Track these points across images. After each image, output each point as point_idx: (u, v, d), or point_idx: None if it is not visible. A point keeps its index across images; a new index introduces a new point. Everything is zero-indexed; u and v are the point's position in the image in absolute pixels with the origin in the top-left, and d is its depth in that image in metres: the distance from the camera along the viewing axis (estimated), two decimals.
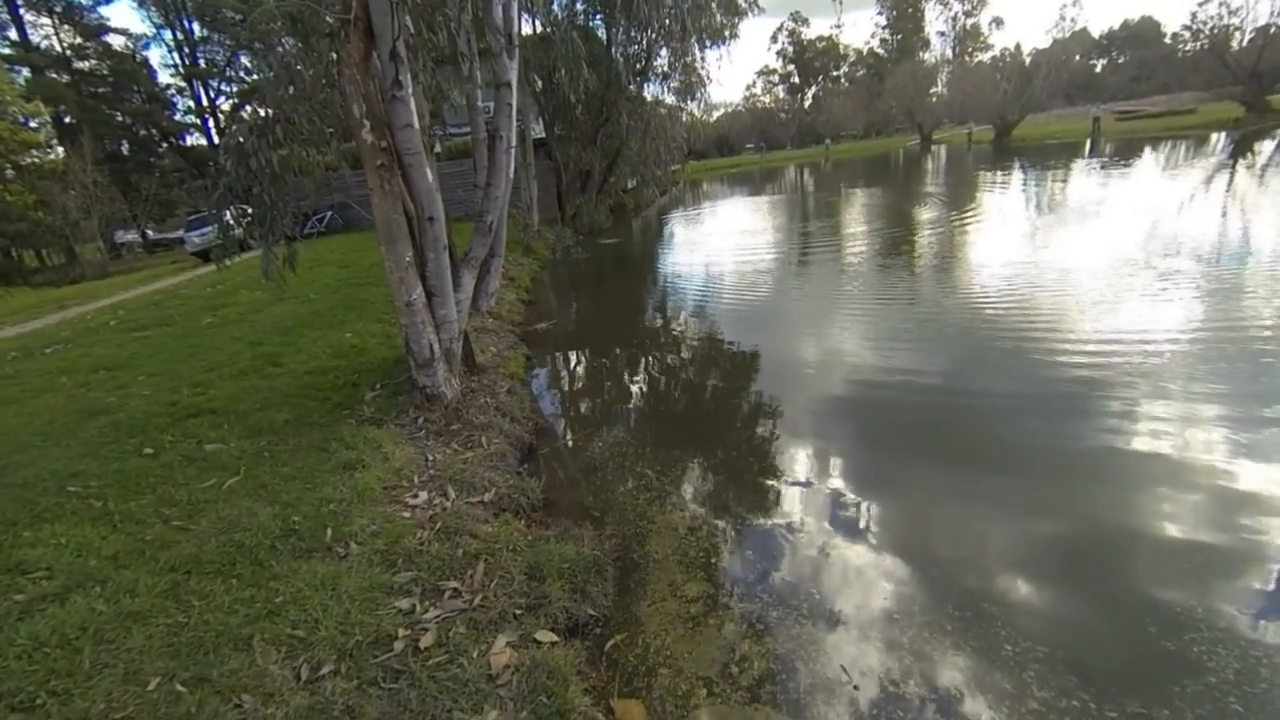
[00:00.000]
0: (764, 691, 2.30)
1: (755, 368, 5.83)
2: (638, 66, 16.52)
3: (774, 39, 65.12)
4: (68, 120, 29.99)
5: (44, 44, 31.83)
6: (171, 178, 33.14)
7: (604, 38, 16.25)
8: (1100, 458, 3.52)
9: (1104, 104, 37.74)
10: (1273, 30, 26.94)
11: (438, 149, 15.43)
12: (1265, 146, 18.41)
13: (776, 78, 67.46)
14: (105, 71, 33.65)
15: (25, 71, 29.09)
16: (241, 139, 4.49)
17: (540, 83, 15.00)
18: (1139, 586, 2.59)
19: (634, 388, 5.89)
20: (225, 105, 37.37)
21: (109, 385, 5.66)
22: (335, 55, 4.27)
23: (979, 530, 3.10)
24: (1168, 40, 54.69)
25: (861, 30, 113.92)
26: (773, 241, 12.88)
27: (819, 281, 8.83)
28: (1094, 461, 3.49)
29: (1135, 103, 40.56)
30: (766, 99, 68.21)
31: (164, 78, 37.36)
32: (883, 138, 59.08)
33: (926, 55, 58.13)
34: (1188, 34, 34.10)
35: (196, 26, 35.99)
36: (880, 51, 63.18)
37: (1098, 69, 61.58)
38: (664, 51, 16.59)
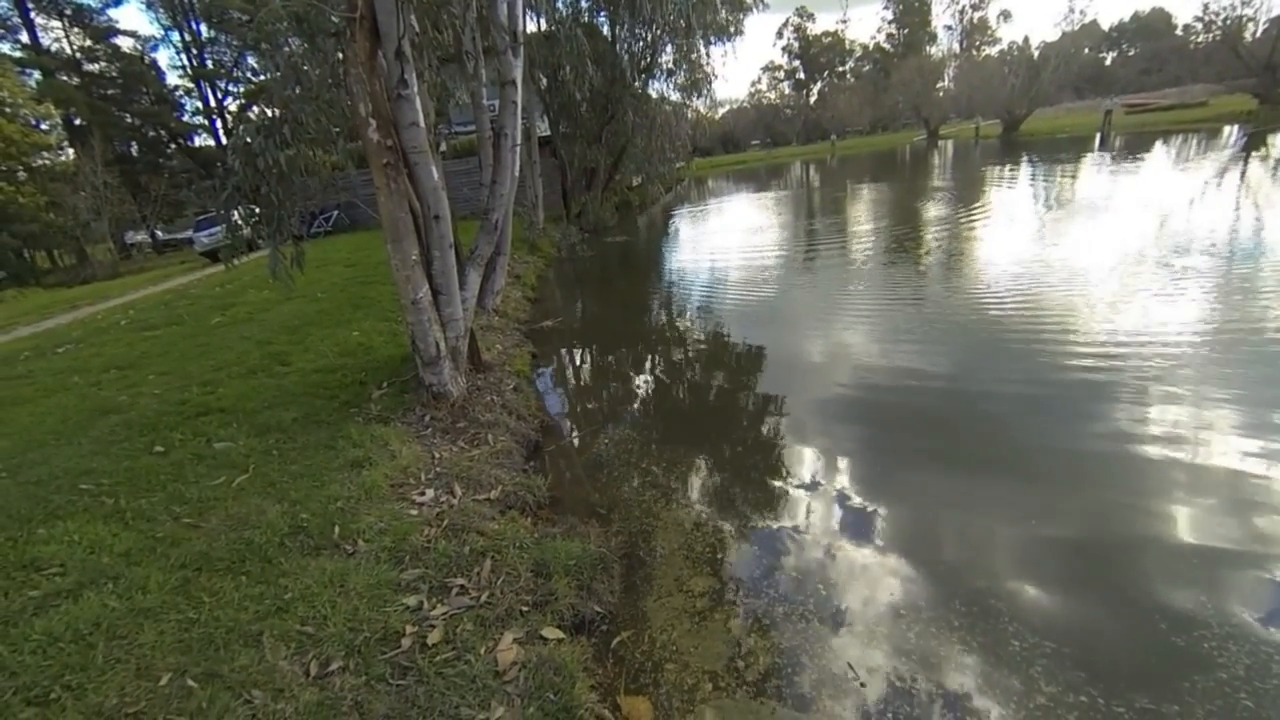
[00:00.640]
0: (770, 686, 2.30)
1: (761, 366, 5.81)
2: (642, 63, 16.48)
3: (779, 35, 64.84)
4: (78, 122, 30.27)
5: (54, 47, 32.15)
6: (180, 178, 33.40)
7: (608, 35, 16.22)
8: (1110, 458, 3.49)
9: (1114, 97, 37.28)
10: None
11: (443, 147, 15.49)
12: (1279, 139, 18.15)
13: (782, 73, 67.15)
14: (114, 73, 33.96)
15: (36, 74, 29.39)
16: (249, 139, 4.52)
17: (545, 80, 15.01)
18: (1148, 584, 2.57)
19: (640, 385, 5.89)
20: (233, 106, 37.66)
21: (120, 384, 5.72)
22: (341, 54, 4.29)
23: (986, 527, 3.08)
24: (1179, 32, 54.03)
25: (867, 25, 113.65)
26: (778, 239, 12.83)
27: (825, 279, 8.78)
28: (1104, 461, 3.46)
29: (1145, 96, 40.08)
30: (772, 95, 67.92)
31: (172, 79, 37.77)
32: (889, 133, 58.69)
33: (933, 49, 57.67)
34: (1200, 25, 33.61)
35: (204, 28, 36.27)
36: (886, 46, 62.72)
37: (1107, 62, 60.96)
38: (669, 48, 16.55)
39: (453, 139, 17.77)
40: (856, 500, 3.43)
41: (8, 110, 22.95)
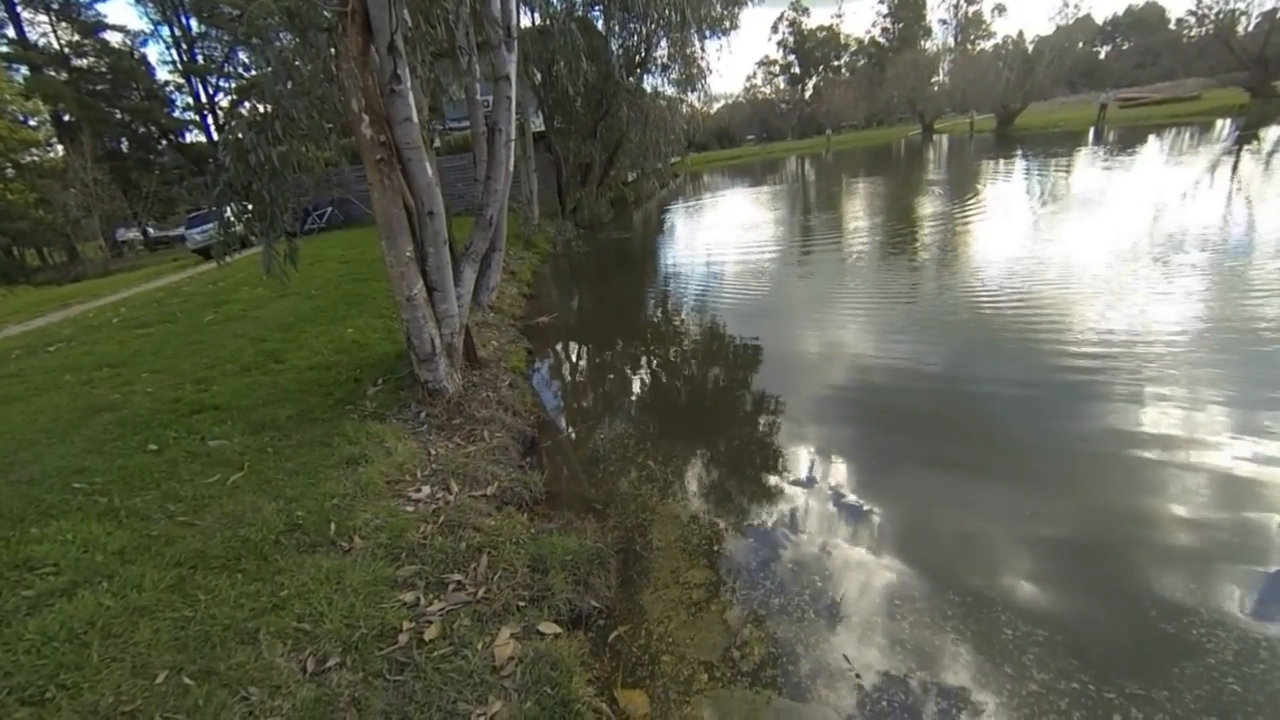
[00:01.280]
0: (765, 676, 2.32)
1: (756, 360, 5.82)
2: (637, 58, 16.42)
3: (774, 29, 64.80)
4: (67, 118, 29.98)
5: (42, 41, 31.82)
6: (171, 175, 33.13)
7: (602, 29, 16.15)
8: (1101, 453, 3.50)
9: (1108, 91, 37.37)
10: (1279, 15, 26.63)
11: (437, 143, 15.40)
12: (1271, 133, 18.25)
13: (777, 68, 67.11)
14: (103, 69, 33.61)
15: (23, 69, 29.06)
16: (240, 135, 4.49)
17: (539, 75, 14.93)
18: (1139, 574, 2.59)
19: (635, 380, 5.90)
20: (224, 101, 37.33)
21: (113, 382, 5.68)
22: (333, 49, 4.26)
23: (979, 520, 3.10)
24: (1172, 26, 54.22)
25: (862, 19, 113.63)
26: (773, 235, 12.83)
27: (820, 276, 8.79)
28: (1095, 456, 3.48)
29: (1139, 90, 40.20)
30: (767, 90, 67.88)
31: (162, 74, 37.38)
32: (884, 128, 58.72)
33: (928, 44, 57.82)
34: (1193, 19, 33.78)
35: (194, 22, 35.90)
36: (881, 40, 62.77)
37: (1101, 56, 61.04)
38: (663, 43, 16.51)
39: (447, 135, 17.68)
40: (850, 494, 3.44)
41: None
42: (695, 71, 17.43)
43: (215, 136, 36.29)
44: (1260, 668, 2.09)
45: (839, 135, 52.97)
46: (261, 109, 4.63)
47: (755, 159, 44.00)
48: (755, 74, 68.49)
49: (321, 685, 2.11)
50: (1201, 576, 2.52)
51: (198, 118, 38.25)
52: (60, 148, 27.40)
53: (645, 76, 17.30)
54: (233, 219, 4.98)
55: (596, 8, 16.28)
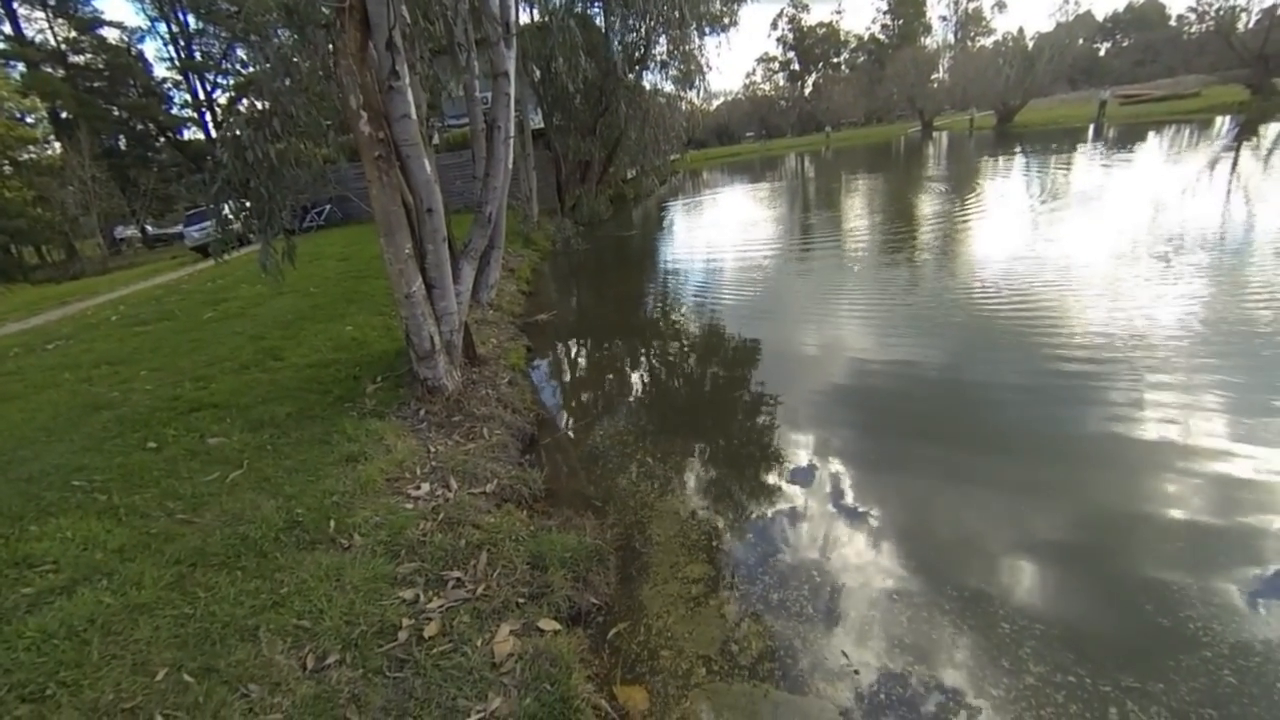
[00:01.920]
0: (763, 670, 2.33)
1: (755, 359, 5.83)
2: (636, 55, 16.38)
3: (774, 25, 64.51)
4: (64, 115, 29.88)
5: (39, 38, 31.67)
6: (169, 172, 33.09)
7: (602, 26, 16.10)
8: (1100, 444, 3.53)
9: (1108, 88, 37.32)
10: (1279, 11, 26.58)
11: (436, 140, 15.35)
12: (1271, 130, 18.24)
13: (776, 65, 66.89)
14: (101, 65, 33.51)
15: (20, 66, 28.94)
16: (238, 132, 4.47)
17: (538, 72, 14.89)
18: (1136, 567, 2.61)
19: (634, 378, 5.90)
20: (222, 98, 37.20)
21: (111, 380, 5.68)
22: (332, 46, 4.24)
23: (977, 516, 3.11)
24: (1173, 23, 54.12)
25: (862, 16, 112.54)
26: (772, 233, 12.81)
27: (819, 274, 8.79)
28: (1094, 447, 3.50)
29: (1139, 87, 40.15)
30: (766, 87, 67.63)
31: (160, 71, 37.33)
32: (884, 125, 58.62)
33: (928, 40, 57.64)
34: (1193, 16, 33.79)
35: (191, 19, 35.73)
36: (881, 37, 62.57)
37: (1101, 53, 60.98)
38: (663, 39, 16.45)
39: (445, 132, 17.63)
40: (849, 490, 3.45)
41: None
42: (695, 68, 17.39)
43: (213, 134, 36.19)
44: (1256, 660, 2.11)
45: (838, 132, 52.84)
46: (259, 106, 4.61)
47: (755, 156, 43.93)
48: (755, 71, 68.34)
49: (321, 682, 2.11)
50: (1199, 571, 2.53)
51: (196, 115, 38.15)
52: (58, 145, 27.32)
53: (644, 73, 17.26)
54: (231, 216, 4.96)
55: (596, 4, 16.24)
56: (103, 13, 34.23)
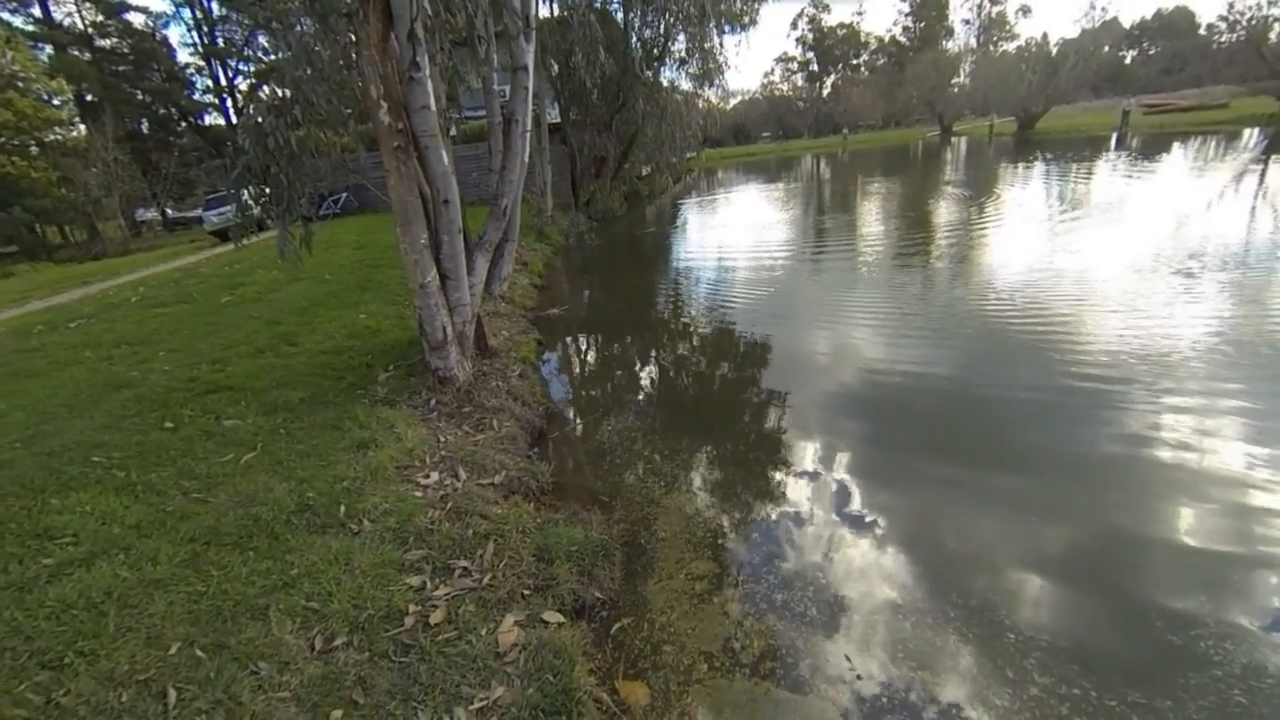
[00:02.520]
0: (765, 669, 2.34)
1: (766, 360, 5.82)
2: (655, 51, 16.34)
3: (794, 25, 64.02)
4: (89, 98, 30.34)
5: (66, 21, 32.15)
6: (190, 157, 33.52)
7: (621, 22, 16.08)
8: (1112, 462, 3.48)
9: (1132, 96, 36.70)
10: None
11: (453, 132, 15.41)
12: None
13: (795, 65, 66.39)
14: (126, 50, 33.96)
15: (48, 49, 29.41)
16: (260, 119, 4.52)
17: (556, 67, 14.89)
18: (1147, 584, 2.58)
19: (644, 374, 5.91)
20: (243, 85, 37.57)
21: (131, 360, 5.78)
22: (353, 35, 4.28)
23: (985, 525, 3.09)
24: (1202, 31, 53.01)
25: (883, 17, 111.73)
26: (787, 235, 12.73)
27: (832, 279, 8.72)
28: (1105, 465, 3.46)
29: (1165, 96, 39.42)
30: (784, 87, 67.17)
31: (183, 56, 37.77)
32: (902, 128, 58.08)
33: (949, 44, 56.87)
34: (1224, 25, 33.00)
35: (215, 5, 36.14)
36: (902, 40, 61.92)
37: (1127, 60, 59.99)
38: (682, 36, 16.38)
39: (463, 124, 17.69)
40: (856, 494, 3.45)
41: (20, 84, 23.01)
42: (713, 66, 17.28)
43: (234, 119, 36.54)
44: (1269, 681, 2.08)
45: (856, 135, 52.47)
46: (281, 93, 4.66)
47: (770, 156, 43.71)
48: (773, 70, 67.86)
49: (329, 663, 2.15)
50: (1212, 589, 2.50)
51: (217, 100, 38.59)
52: (82, 127, 27.72)
53: (662, 70, 17.22)
54: (250, 202, 5.02)
55: (616, 0, 16.22)
56: None
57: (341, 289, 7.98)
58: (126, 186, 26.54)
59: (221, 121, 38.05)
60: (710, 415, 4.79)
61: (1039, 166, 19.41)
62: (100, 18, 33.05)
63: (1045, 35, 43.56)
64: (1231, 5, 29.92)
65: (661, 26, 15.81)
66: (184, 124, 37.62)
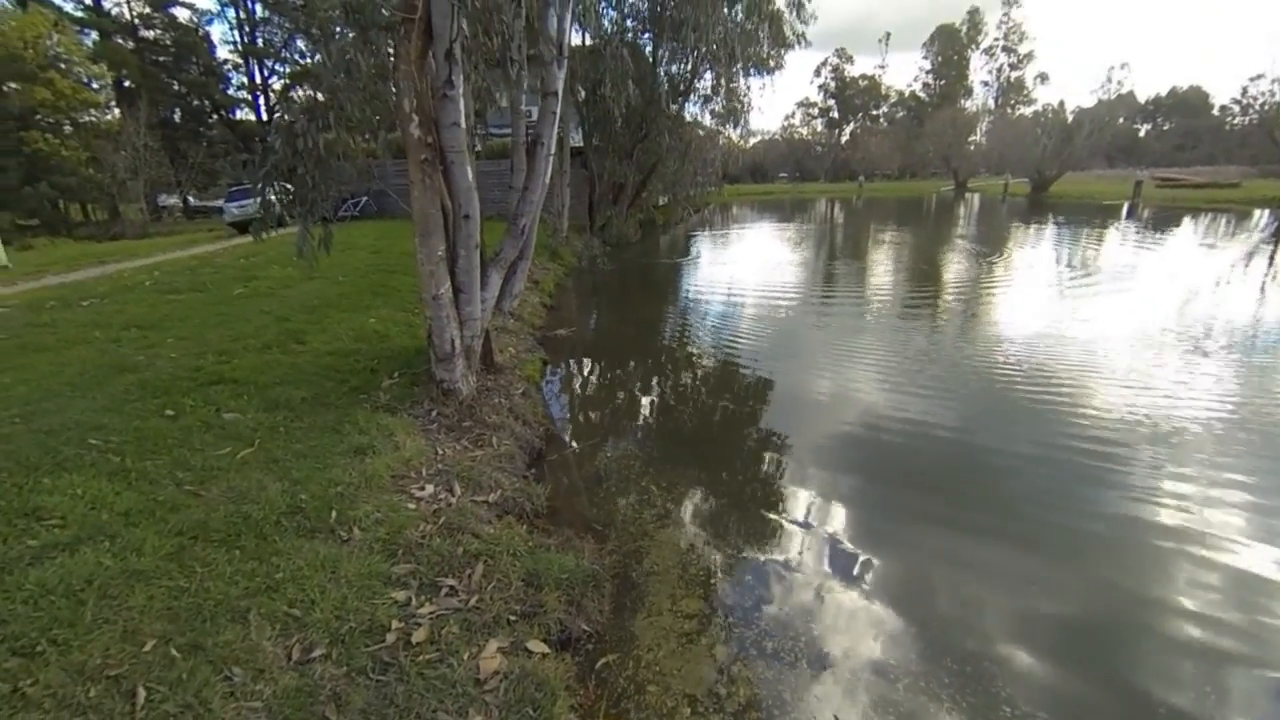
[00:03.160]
0: (749, 718, 2.27)
1: (767, 399, 5.80)
2: (681, 86, 16.75)
3: (817, 73, 65.60)
4: (127, 84, 31.12)
5: (115, 10, 33.19)
6: (218, 148, 34.16)
7: (650, 55, 16.53)
8: (1113, 537, 3.43)
9: (1146, 169, 37.34)
10: None
11: (478, 148, 15.72)
12: None
13: (816, 110, 67.81)
14: (168, 42, 34.98)
15: (94, 35, 30.31)
16: (293, 120, 4.63)
17: (584, 93, 15.27)
18: (1146, 669, 2.52)
19: (645, 403, 5.89)
20: (277, 85, 38.52)
21: (139, 344, 5.79)
22: (392, 49, 4.39)
23: (981, 589, 3.04)
24: (1215, 112, 54.33)
25: (904, 72, 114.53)
26: (796, 277, 12.82)
27: (838, 325, 8.72)
28: (1107, 539, 3.40)
29: (1178, 171, 40.11)
30: (804, 130, 68.50)
31: (222, 53, 38.84)
32: (917, 180, 59.08)
33: (968, 103, 58.33)
34: (1237, 108, 33.86)
35: (259, 7, 37.30)
36: (922, 95, 63.46)
37: (1141, 133, 61.26)
38: (708, 75, 16.82)
39: (487, 140, 18.05)
40: (851, 545, 3.39)
41: (63, 66, 23.63)
42: (738, 106, 17.69)
43: (265, 116, 37.41)
44: None
45: (871, 183, 53.30)
46: (316, 96, 4.77)
47: (786, 197, 44.37)
48: (794, 114, 69.28)
49: (304, 675, 2.09)
50: (1214, 681, 2.43)
51: (250, 97, 39.52)
52: (117, 111, 28.35)
53: (686, 105, 17.61)
54: (274, 199, 5.10)
55: (647, 34, 16.68)
56: None
57: (354, 291, 8.04)
58: (153, 172, 27.05)
59: (252, 117, 38.93)
60: (709, 450, 4.76)
61: (1051, 229, 19.65)
62: (148, 10, 34.13)
63: (1062, 103, 44.70)
64: (1245, 89, 30.71)
65: (690, 64, 16.23)
66: (215, 116, 38.48)
